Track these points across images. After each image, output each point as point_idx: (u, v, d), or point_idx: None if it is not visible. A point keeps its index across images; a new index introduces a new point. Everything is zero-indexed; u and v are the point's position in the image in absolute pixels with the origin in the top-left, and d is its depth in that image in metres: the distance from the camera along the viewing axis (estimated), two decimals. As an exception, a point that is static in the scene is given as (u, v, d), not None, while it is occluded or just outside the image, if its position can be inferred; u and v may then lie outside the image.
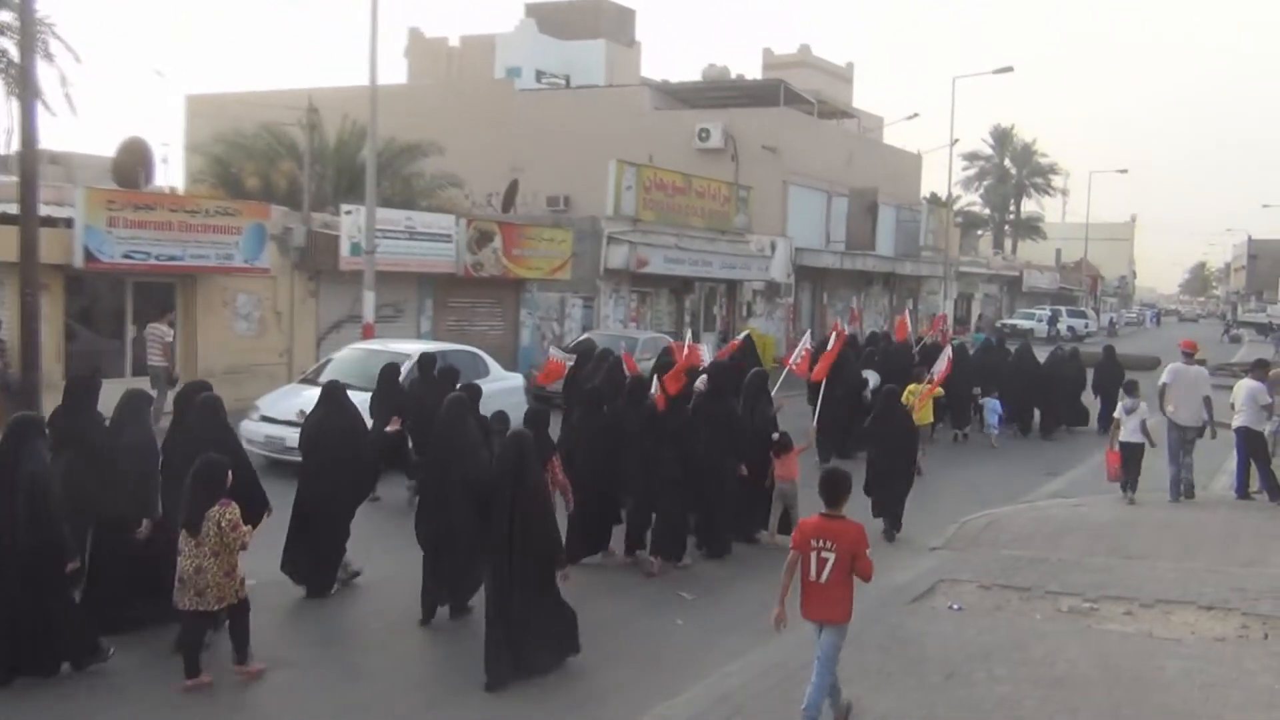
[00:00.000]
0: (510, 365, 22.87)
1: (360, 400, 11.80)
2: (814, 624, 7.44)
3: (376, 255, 22.25)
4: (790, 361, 17.69)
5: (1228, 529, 14.07)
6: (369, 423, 12.24)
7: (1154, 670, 8.87)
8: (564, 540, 9.54)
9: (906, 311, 32.02)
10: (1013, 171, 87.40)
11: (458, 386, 12.19)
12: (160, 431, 10.08)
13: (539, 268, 27.93)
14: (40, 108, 17.38)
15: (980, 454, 21.03)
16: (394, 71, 56.42)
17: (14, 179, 17.17)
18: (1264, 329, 72.23)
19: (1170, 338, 61.55)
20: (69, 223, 18.47)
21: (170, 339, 19.22)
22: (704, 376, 13.83)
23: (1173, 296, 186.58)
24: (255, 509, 9.00)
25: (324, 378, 17.15)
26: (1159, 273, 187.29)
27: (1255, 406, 15.43)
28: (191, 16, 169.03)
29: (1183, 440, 15.76)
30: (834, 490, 7.42)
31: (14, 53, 20.69)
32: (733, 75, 53.00)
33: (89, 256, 18.39)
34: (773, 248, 39.12)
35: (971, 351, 24.98)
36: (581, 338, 26.85)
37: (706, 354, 15.78)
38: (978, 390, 22.52)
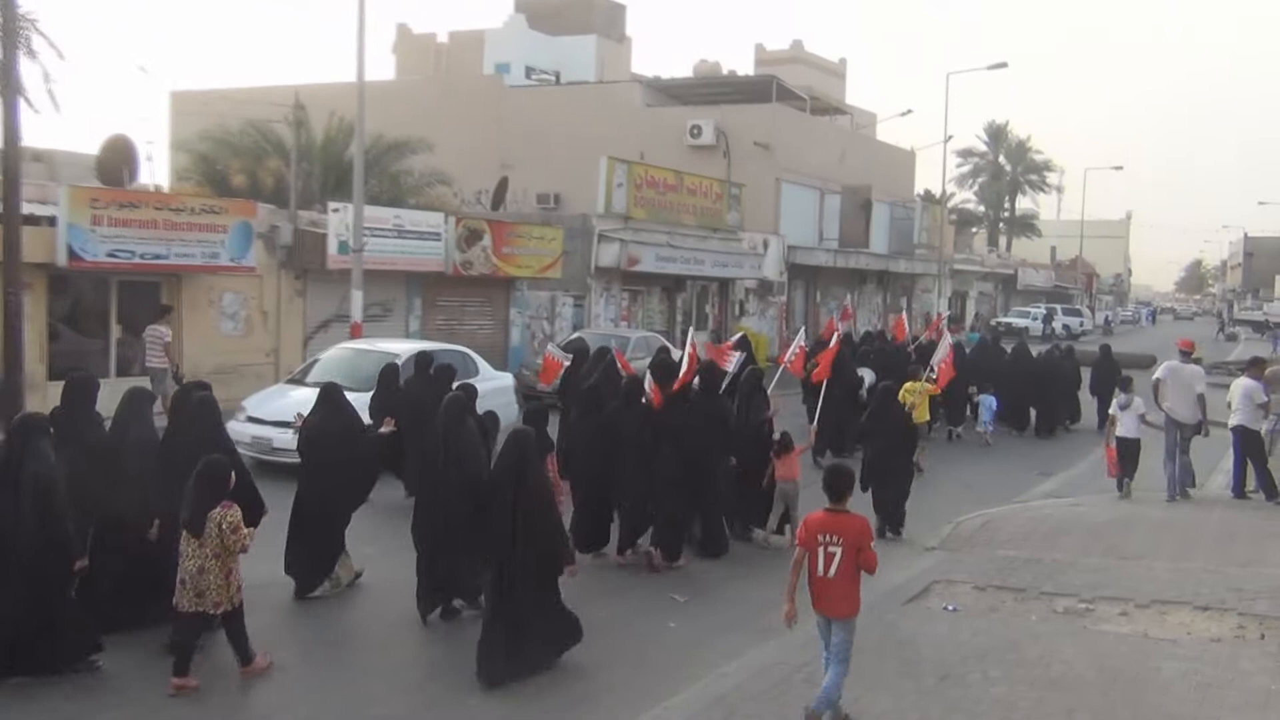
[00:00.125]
0: (500, 365, 22.87)
1: (350, 400, 11.80)
2: (823, 619, 7.60)
3: (364, 254, 22.22)
4: (785, 360, 17.74)
5: (1224, 528, 14.12)
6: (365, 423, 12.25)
7: (1150, 671, 8.90)
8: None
9: (905, 312, 32.13)
10: (1007, 168, 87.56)
11: (454, 386, 12.23)
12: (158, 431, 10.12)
13: (529, 266, 27.92)
14: (23, 105, 17.32)
15: (975, 453, 21.09)
16: (382, 68, 56.34)
17: (-4, 177, 17.11)
18: (1260, 327, 72.42)
19: (1166, 336, 61.74)
20: (52, 221, 18.42)
21: (169, 339, 19.20)
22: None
23: (1168, 294, 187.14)
24: (253, 511, 9.04)
25: (312, 378, 17.21)
26: (1155, 270, 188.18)
27: (1251, 405, 15.52)
28: (176, 12, 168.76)
29: (1180, 438, 15.88)
30: (838, 485, 7.63)
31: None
32: (725, 71, 53.07)
33: (73, 255, 18.35)
34: (765, 246, 39.15)
35: (967, 350, 25.04)
36: (572, 337, 26.85)
37: (733, 360, 15.68)
38: (973, 388, 22.59)
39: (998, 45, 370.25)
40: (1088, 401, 23.93)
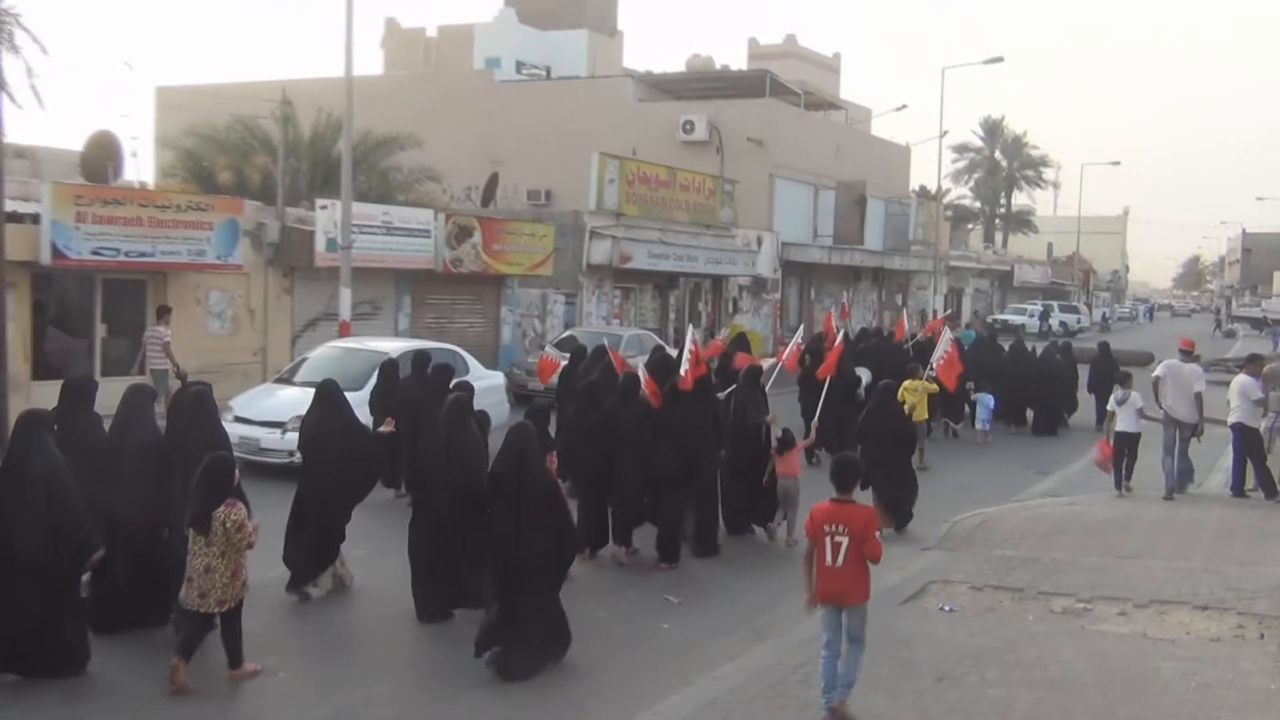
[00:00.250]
0: (491, 364, 22.85)
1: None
2: (830, 608, 7.78)
3: (353, 251, 22.18)
4: (782, 357, 17.75)
5: (1223, 527, 14.16)
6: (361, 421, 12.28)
7: (1149, 671, 8.92)
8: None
9: (906, 311, 32.15)
10: (1003, 164, 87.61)
11: (451, 384, 12.29)
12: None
13: (520, 263, 27.90)
14: (6, 100, 17.25)
15: (972, 451, 21.12)
16: (370, 63, 56.51)
17: (-21, 174, 17.04)
18: (1259, 323, 72.68)
19: (1163, 333, 61.93)
20: (35, 219, 18.36)
21: (169, 339, 19.18)
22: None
23: (1166, 291, 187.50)
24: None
25: (300, 377, 17.20)
26: (1152, 266, 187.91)
27: (1248, 402, 15.58)
28: (161, 6, 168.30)
29: (1180, 436, 15.97)
30: (845, 476, 7.90)
31: (-22, 44, 20.57)
32: (717, 66, 53.06)
33: (56, 253, 18.30)
34: (759, 242, 39.18)
35: (964, 348, 25.07)
36: (564, 335, 26.87)
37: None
38: (970, 385, 22.62)
39: (993, 39, 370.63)
40: (1085, 400, 23.99)
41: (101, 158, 23.41)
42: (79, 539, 8.36)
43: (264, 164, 28.87)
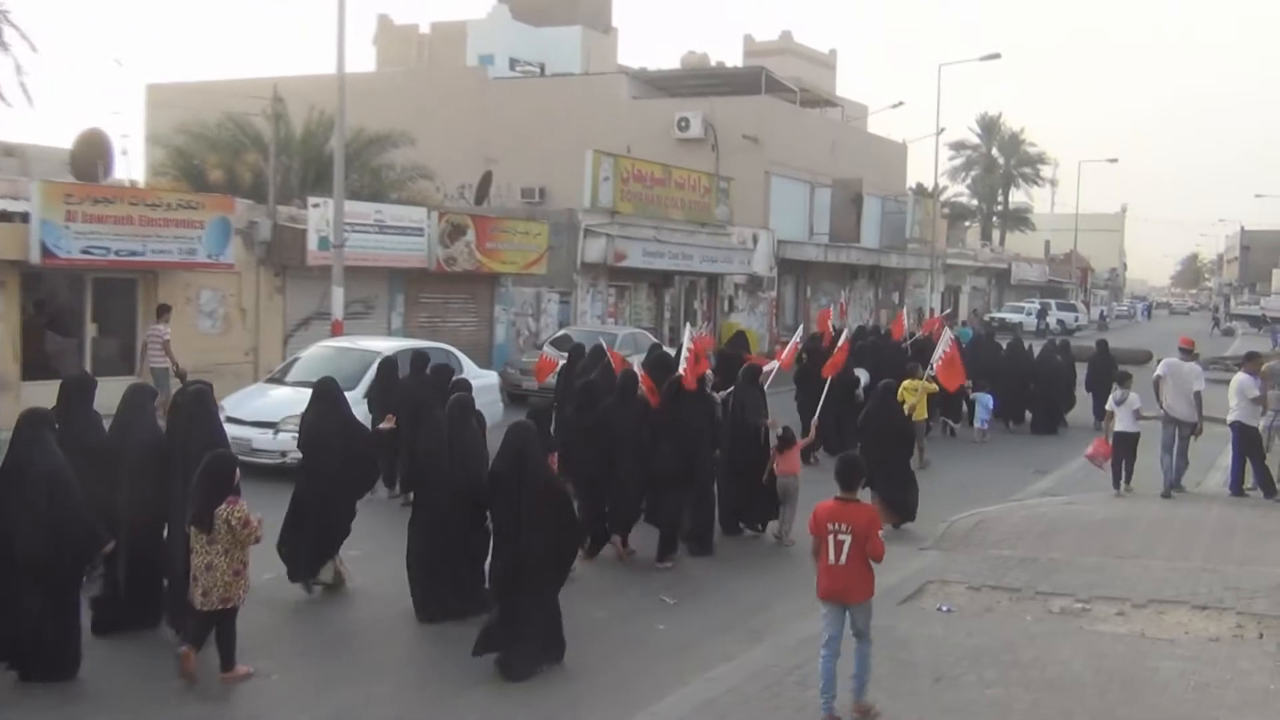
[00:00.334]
0: (484, 363, 22.85)
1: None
2: (833, 605, 7.88)
3: (345, 250, 22.14)
4: (781, 356, 17.76)
5: (1222, 526, 14.18)
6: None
7: (1147, 672, 8.94)
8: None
9: (904, 309, 32.15)
10: (1000, 161, 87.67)
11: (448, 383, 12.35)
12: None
13: (514, 262, 27.88)
14: (-5, 98, 17.24)
15: (969, 451, 21.14)
16: (362, 59, 56.34)
17: (-32, 172, 17.04)
18: (1257, 321, 72.80)
19: (1161, 331, 62.04)
20: (25, 217, 18.31)
21: (168, 337, 19.19)
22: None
23: (1164, 289, 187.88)
24: None
25: (292, 377, 17.18)
26: (1150, 264, 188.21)
27: (1246, 400, 15.64)
28: (151, 3, 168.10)
29: (1176, 433, 16.03)
30: (849, 475, 8.00)
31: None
32: (713, 63, 53.10)
33: (46, 252, 18.25)
34: (755, 240, 39.18)
35: (962, 346, 25.10)
36: (558, 334, 26.86)
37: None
38: (968, 384, 22.64)
39: (990, 36, 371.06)
40: (1083, 398, 24.03)
41: (91, 156, 23.35)
42: (81, 538, 8.38)
43: (255, 162, 28.85)
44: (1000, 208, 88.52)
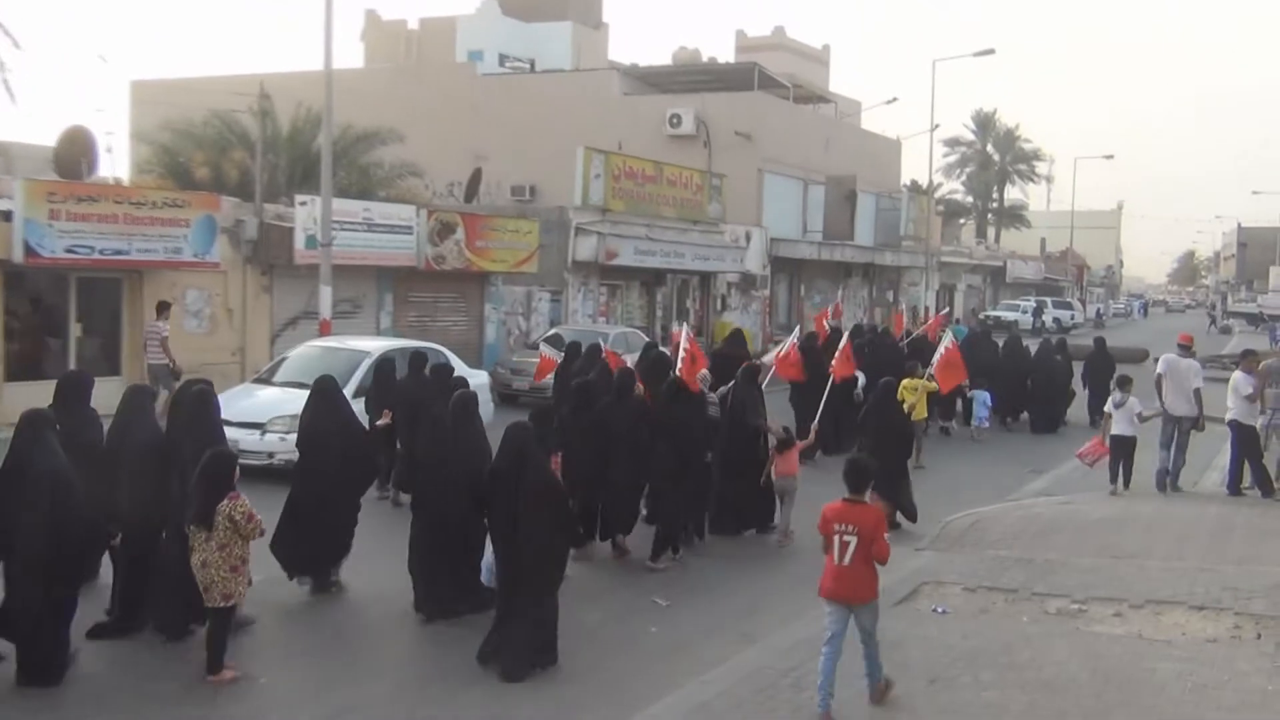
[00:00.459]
0: (474, 363, 22.82)
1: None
2: (838, 605, 7.95)
3: (333, 248, 22.14)
4: (778, 357, 17.75)
5: (1220, 526, 14.22)
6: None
7: (1144, 673, 8.96)
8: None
9: (904, 307, 32.17)
10: (995, 158, 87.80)
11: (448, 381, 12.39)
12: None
13: (504, 260, 27.86)
14: (-23, 95, 17.20)
15: (965, 450, 21.18)
16: (350, 55, 56.20)
17: (-50, 170, 17.00)
18: (1254, 319, 72.94)
19: (1158, 329, 62.17)
20: (8, 216, 18.28)
21: (166, 334, 19.20)
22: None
23: (1161, 286, 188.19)
24: None
25: (279, 377, 17.17)
26: (1147, 262, 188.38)
27: (1242, 398, 15.71)
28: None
29: (1175, 431, 16.13)
30: (858, 477, 8.13)
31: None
32: (704, 58, 53.09)
33: (29, 251, 18.21)
34: (747, 238, 39.17)
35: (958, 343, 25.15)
36: (549, 333, 26.86)
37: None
38: (965, 383, 22.69)
39: (984, 32, 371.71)
40: (1081, 396, 24.11)
41: (75, 153, 23.31)
42: (84, 538, 8.42)
43: (242, 159, 28.78)
44: (995, 205, 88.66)
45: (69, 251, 18.73)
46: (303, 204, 22.94)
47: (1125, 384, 16.29)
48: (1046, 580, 11.59)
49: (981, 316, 57.06)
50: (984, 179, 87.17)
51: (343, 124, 28.96)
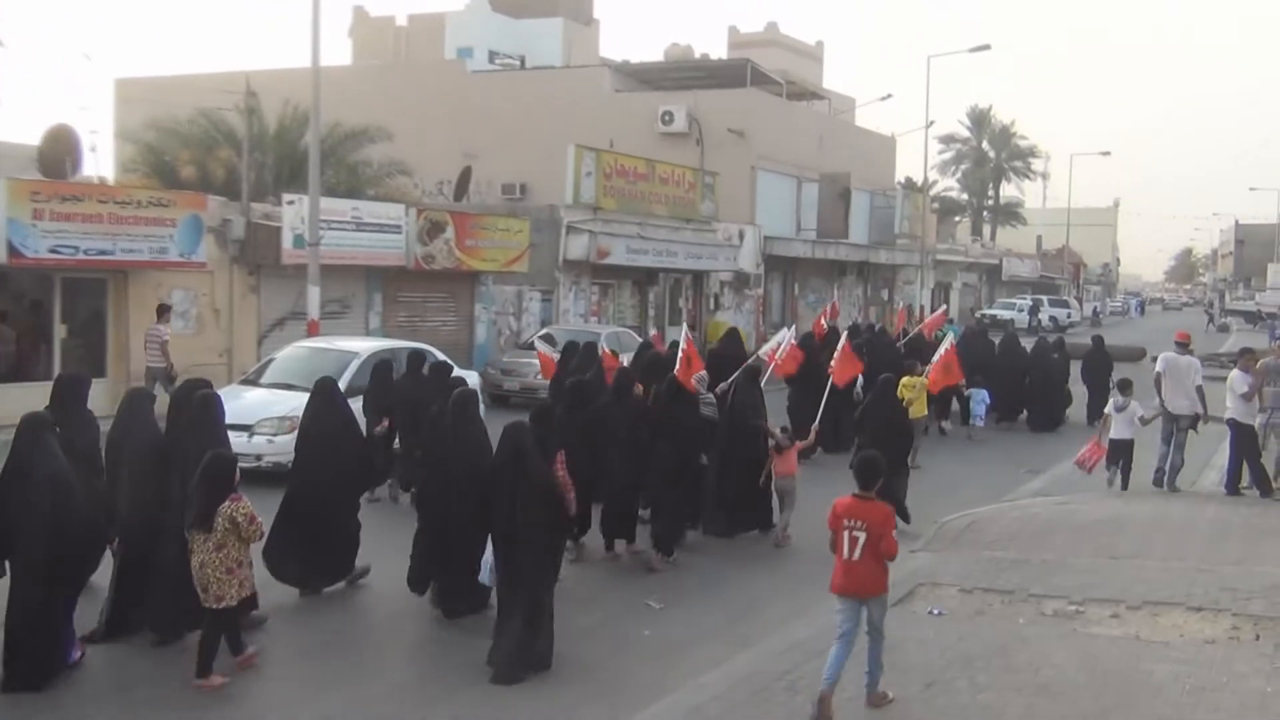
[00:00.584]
0: (465, 363, 22.83)
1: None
2: (848, 600, 8.07)
3: (321, 248, 22.11)
4: (775, 358, 17.74)
5: (1217, 526, 14.25)
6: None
7: (1142, 675, 8.97)
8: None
9: (904, 306, 32.20)
10: (991, 155, 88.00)
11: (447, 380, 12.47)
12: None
13: (494, 259, 27.86)
14: (-40, 94, 17.16)
15: (961, 450, 21.20)
16: (338, 52, 56.21)
17: (-69, 169, 16.94)
18: (1252, 317, 73.05)
19: (1155, 328, 62.28)
20: (-9, 216, 18.25)
21: (167, 337, 19.19)
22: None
23: (1158, 284, 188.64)
24: None
25: (267, 378, 17.16)
26: (1143, 260, 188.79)
27: (1239, 397, 15.76)
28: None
29: (1175, 428, 16.21)
30: (868, 473, 8.23)
31: (-70, 35, 20.42)
32: (697, 55, 53.02)
33: (12, 251, 18.16)
34: (741, 236, 39.20)
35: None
36: (541, 333, 26.85)
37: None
38: (961, 383, 22.72)
39: (979, 27, 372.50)
40: (1079, 395, 24.16)
41: (59, 152, 23.26)
42: (85, 540, 8.44)
43: (228, 158, 28.74)
44: (991, 202, 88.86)
45: (53, 252, 18.69)
46: (290, 203, 22.91)
47: (1126, 388, 16.35)
48: (1043, 581, 11.60)
49: (978, 315, 57.15)
50: (979, 176, 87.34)
51: (330, 122, 28.94)
